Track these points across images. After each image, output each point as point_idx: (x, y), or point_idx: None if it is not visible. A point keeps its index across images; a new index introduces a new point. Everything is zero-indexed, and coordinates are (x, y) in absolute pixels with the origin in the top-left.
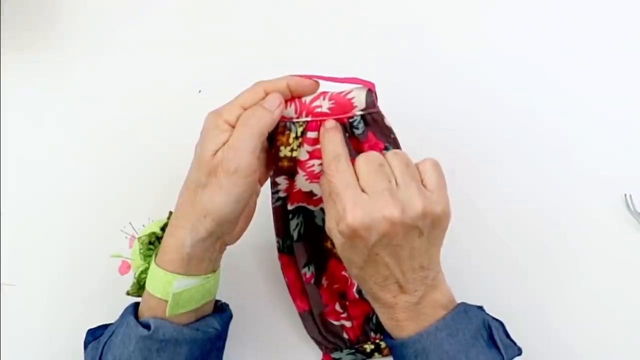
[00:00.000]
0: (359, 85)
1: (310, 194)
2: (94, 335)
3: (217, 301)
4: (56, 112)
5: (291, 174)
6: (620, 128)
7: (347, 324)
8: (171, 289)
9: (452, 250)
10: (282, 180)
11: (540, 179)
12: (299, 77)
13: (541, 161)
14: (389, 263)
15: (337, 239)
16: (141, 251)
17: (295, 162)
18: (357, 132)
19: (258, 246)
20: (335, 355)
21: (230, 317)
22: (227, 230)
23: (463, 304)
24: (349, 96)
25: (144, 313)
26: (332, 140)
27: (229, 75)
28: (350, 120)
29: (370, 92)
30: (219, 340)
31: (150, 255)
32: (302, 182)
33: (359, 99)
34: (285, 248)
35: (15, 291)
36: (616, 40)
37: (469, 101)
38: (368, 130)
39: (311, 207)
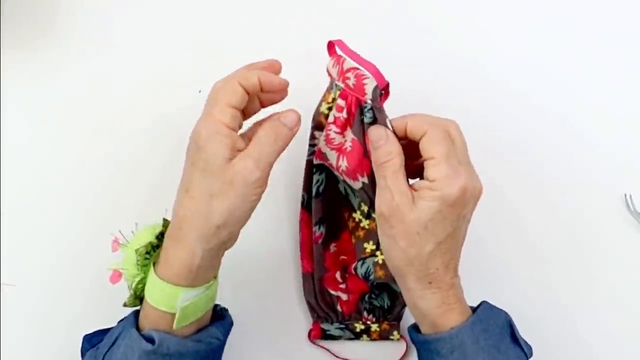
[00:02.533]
0: (372, 78)
1: (325, 156)
2: (91, 342)
3: (215, 305)
4: (56, 111)
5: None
6: (620, 128)
7: (344, 296)
8: (177, 303)
9: None
10: (319, 135)
11: (540, 179)
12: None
13: (541, 161)
14: (461, 239)
15: (430, 208)
16: (138, 262)
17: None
18: (365, 119)
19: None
20: (325, 326)
21: (231, 324)
22: (235, 238)
23: (485, 301)
24: (364, 81)
25: (145, 325)
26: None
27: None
28: (364, 105)
29: (377, 89)
30: (220, 349)
31: (147, 265)
32: (321, 142)
33: (369, 88)
34: (307, 204)
35: (15, 291)
36: (617, 40)
37: (468, 101)
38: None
39: (332, 170)
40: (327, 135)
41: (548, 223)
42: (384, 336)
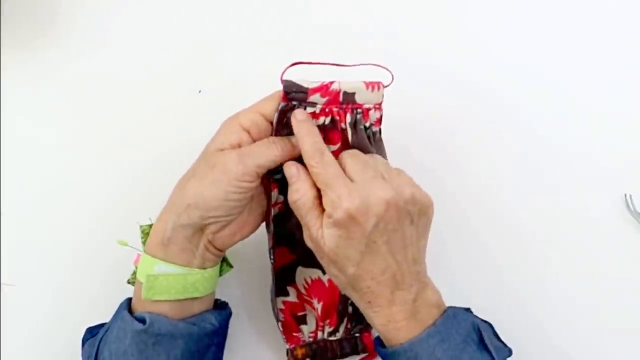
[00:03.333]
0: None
1: None
2: (92, 333)
3: (216, 300)
4: (56, 111)
5: None
6: (620, 128)
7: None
8: (152, 271)
9: (449, 250)
10: None
11: (540, 179)
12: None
13: (541, 161)
14: (386, 253)
15: (331, 235)
16: (142, 240)
17: None
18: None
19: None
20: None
21: (230, 314)
22: (210, 227)
23: (451, 308)
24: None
25: (136, 304)
26: (310, 132)
27: (229, 75)
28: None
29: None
30: (217, 336)
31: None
32: None
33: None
34: None
35: (15, 291)
36: (616, 40)
37: (466, 101)
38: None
39: None
40: None
41: (548, 223)
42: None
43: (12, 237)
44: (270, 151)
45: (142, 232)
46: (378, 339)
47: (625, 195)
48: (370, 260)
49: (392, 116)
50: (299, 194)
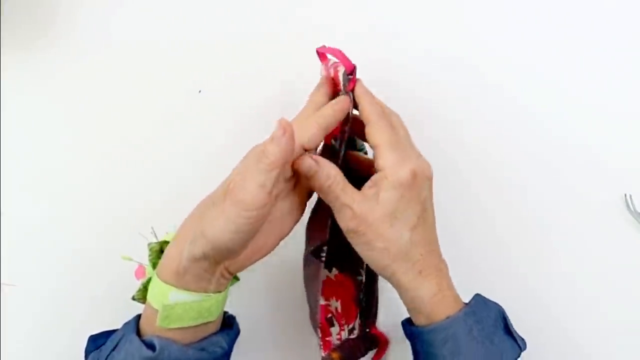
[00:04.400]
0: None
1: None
2: (96, 343)
3: (224, 312)
4: (56, 111)
5: None
6: (620, 128)
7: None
8: (167, 301)
9: (450, 247)
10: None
11: (540, 178)
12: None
13: (541, 161)
14: (432, 221)
15: (391, 197)
16: (151, 259)
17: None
18: None
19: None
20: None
21: (238, 333)
22: (225, 258)
23: (478, 294)
24: (337, 69)
25: (145, 327)
26: (373, 99)
27: (229, 75)
28: (339, 94)
29: (345, 73)
30: (224, 358)
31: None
32: None
33: (340, 76)
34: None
35: (15, 291)
36: (616, 40)
37: (466, 101)
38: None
39: None
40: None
41: (548, 223)
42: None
43: (12, 237)
44: (260, 165)
45: (151, 250)
46: (408, 320)
47: (625, 195)
48: (422, 226)
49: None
50: (330, 176)
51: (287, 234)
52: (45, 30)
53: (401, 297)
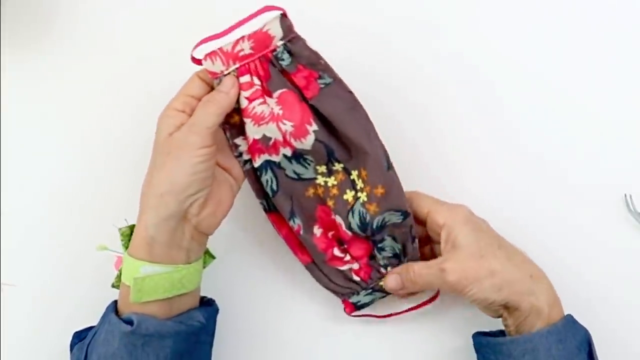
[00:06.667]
0: (272, 15)
1: (265, 139)
2: (79, 337)
3: (202, 297)
4: (56, 111)
5: (244, 130)
6: (620, 128)
7: (355, 265)
8: (138, 274)
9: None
10: (241, 141)
11: (541, 179)
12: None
13: (541, 161)
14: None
15: (467, 237)
16: (123, 243)
17: (241, 114)
18: (284, 63)
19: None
20: (353, 299)
21: (217, 311)
22: (191, 210)
23: (570, 315)
24: (264, 29)
25: (122, 307)
26: None
27: None
28: (274, 53)
29: (284, 17)
30: (204, 334)
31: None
32: (252, 130)
33: (275, 29)
34: (271, 207)
35: (15, 291)
36: (617, 40)
37: (466, 101)
38: (296, 62)
39: (274, 158)
40: (254, 116)
41: (548, 223)
42: None
43: (12, 237)
44: (209, 109)
45: (122, 234)
46: (479, 334)
47: (625, 195)
48: (504, 244)
49: (392, 109)
50: (412, 276)
51: (239, 187)
52: (45, 30)
53: (519, 312)
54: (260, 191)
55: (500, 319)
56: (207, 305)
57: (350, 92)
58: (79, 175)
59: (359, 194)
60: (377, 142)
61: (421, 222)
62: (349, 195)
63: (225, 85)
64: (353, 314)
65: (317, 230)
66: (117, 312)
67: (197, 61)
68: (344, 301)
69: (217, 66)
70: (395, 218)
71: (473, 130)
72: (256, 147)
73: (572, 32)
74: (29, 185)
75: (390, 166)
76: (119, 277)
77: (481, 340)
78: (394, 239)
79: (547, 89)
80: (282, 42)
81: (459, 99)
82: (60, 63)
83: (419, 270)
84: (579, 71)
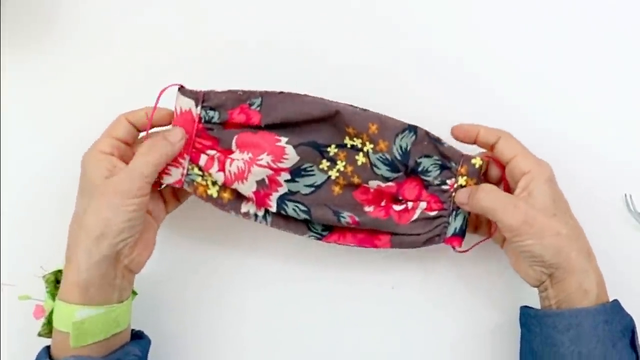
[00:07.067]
0: (175, 94)
1: (260, 183)
2: None
3: (132, 330)
4: (56, 111)
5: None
6: (620, 128)
7: (423, 205)
8: (74, 319)
9: (449, 253)
10: (248, 207)
11: None
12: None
13: None
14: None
15: (545, 190)
16: (48, 290)
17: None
18: (215, 120)
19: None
20: (450, 231)
21: (149, 342)
22: (122, 251)
23: (617, 300)
24: (179, 110)
25: (57, 352)
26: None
27: (228, 76)
28: (202, 120)
29: (182, 88)
30: None
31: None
32: (245, 188)
33: (185, 103)
34: (321, 231)
35: (15, 291)
36: (617, 40)
37: (465, 101)
38: (223, 110)
39: (281, 190)
40: (236, 177)
41: None
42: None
43: (12, 237)
44: (150, 158)
45: (47, 281)
46: (527, 307)
47: (625, 195)
48: (572, 214)
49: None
50: (484, 198)
51: (158, 227)
52: (46, 30)
53: (561, 286)
54: (301, 226)
55: (536, 295)
56: (139, 338)
57: (282, 92)
58: (79, 174)
59: (365, 148)
60: (335, 102)
61: (500, 163)
62: (360, 159)
63: (174, 135)
64: (461, 248)
65: (369, 208)
66: (50, 357)
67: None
68: (447, 241)
69: (176, 175)
70: (408, 138)
71: None
72: (260, 195)
73: (571, 32)
74: (29, 185)
75: (362, 109)
76: (47, 325)
77: (529, 311)
78: (426, 156)
79: (546, 88)
80: (199, 107)
81: (457, 97)
82: (60, 63)
83: (488, 194)
84: (578, 71)
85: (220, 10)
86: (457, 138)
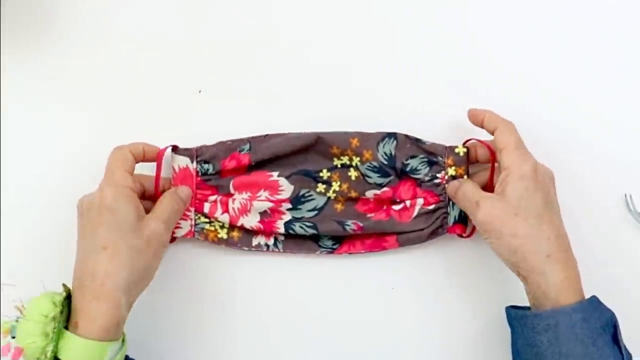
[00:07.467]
0: (169, 155)
1: (264, 215)
2: None
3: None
4: (56, 110)
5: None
6: (620, 128)
7: (420, 201)
8: (106, 358)
9: (451, 250)
10: (258, 239)
11: None
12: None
13: (540, 161)
14: (559, 218)
15: (516, 188)
16: (48, 330)
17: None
18: (211, 170)
19: None
20: (450, 219)
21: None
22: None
23: (595, 296)
24: (177, 168)
25: None
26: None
27: (229, 75)
28: (199, 174)
29: (175, 147)
30: None
31: (59, 331)
32: (251, 220)
33: (181, 160)
34: (331, 245)
35: (15, 291)
36: (616, 40)
37: (465, 101)
38: (217, 161)
39: (285, 217)
40: (240, 213)
41: None
42: None
43: (12, 237)
44: (177, 214)
45: (46, 322)
46: (512, 307)
47: (625, 195)
48: (548, 217)
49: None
50: (461, 187)
51: None
52: (45, 30)
53: (528, 286)
54: (312, 245)
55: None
56: None
57: (267, 134)
58: (79, 175)
59: (353, 162)
60: (312, 132)
61: (492, 150)
62: (353, 174)
63: (185, 194)
64: (465, 234)
65: (371, 215)
66: None
67: None
68: (451, 230)
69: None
70: (390, 144)
71: (470, 129)
72: (267, 224)
73: (571, 32)
74: (29, 185)
75: (340, 131)
76: None
77: (510, 312)
78: (412, 157)
79: (546, 88)
80: (195, 162)
81: (454, 96)
82: (60, 63)
83: (465, 190)
84: (578, 71)
85: (220, 10)
86: (470, 121)
